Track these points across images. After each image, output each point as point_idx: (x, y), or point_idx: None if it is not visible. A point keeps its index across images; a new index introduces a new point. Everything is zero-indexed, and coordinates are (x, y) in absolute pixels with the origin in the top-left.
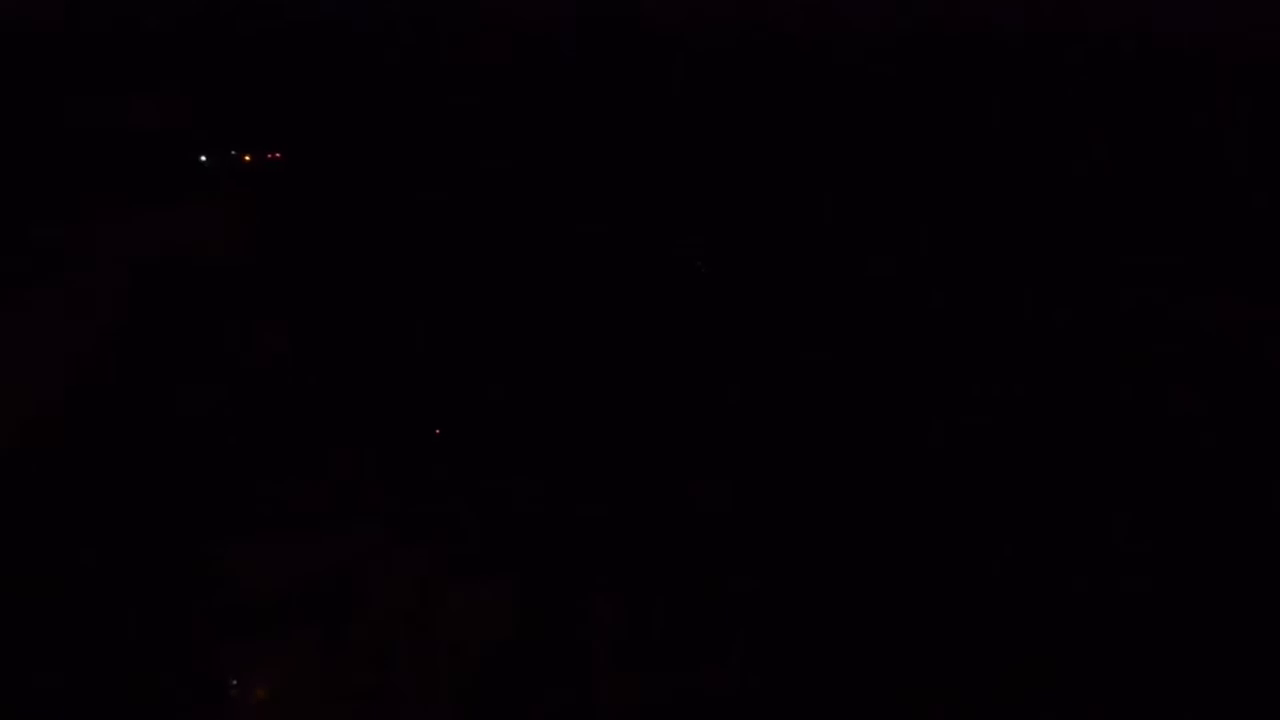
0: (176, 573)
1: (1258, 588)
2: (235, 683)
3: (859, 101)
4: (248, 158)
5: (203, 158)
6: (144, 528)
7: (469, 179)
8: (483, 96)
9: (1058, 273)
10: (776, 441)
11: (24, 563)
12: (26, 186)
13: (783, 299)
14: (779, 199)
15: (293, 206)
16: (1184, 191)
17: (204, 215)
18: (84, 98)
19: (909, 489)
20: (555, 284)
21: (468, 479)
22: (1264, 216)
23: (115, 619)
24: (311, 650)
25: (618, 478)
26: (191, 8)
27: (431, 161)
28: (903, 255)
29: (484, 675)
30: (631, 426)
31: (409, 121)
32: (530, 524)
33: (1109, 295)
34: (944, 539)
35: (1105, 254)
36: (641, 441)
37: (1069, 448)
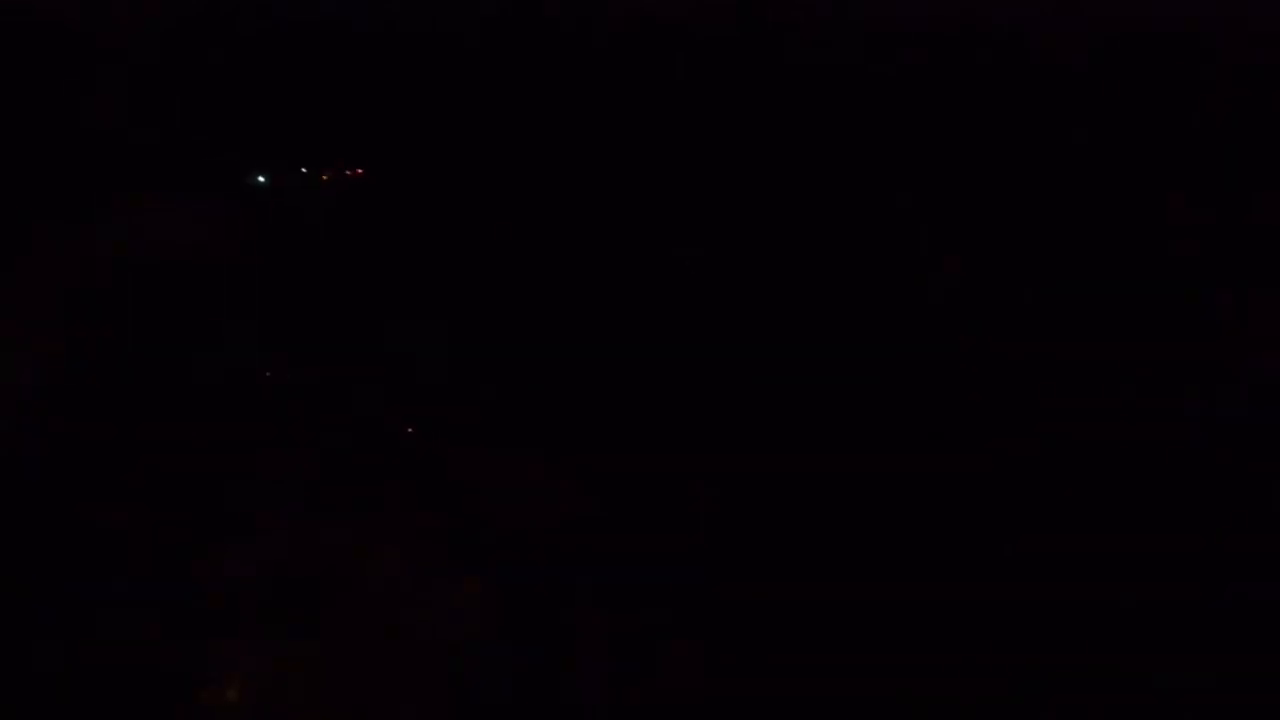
0: (150, 572)
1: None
2: (209, 683)
3: (854, 100)
4: (326, 176)
5: (260, 178)
6: (118, 527)
7: (465, 179)
8: (479, 97)
9: (1058, 273)
10: (774, 441)
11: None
12: (13, 186)
13: (776, 297)
14: (772, 197)
15: (281, 210)
16: (1184, 190)
17: (189, 218)
18: (66, 96)
19: (909, 491)
20: (545, 280)
21: (452, 479)
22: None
23: (87, 617)
24: (288, 651)
25: (608, 476)
26: (188, 7)
27: (427, 162)
28: (901, 253)
29: (467, 676)
30: (623, 424)
31: (407, 122)
32: (516, 523)
33: (1111, 295)
34: (945, 540)
35: (1106, 254)
36: (633, 441)
37: (1072, 452)
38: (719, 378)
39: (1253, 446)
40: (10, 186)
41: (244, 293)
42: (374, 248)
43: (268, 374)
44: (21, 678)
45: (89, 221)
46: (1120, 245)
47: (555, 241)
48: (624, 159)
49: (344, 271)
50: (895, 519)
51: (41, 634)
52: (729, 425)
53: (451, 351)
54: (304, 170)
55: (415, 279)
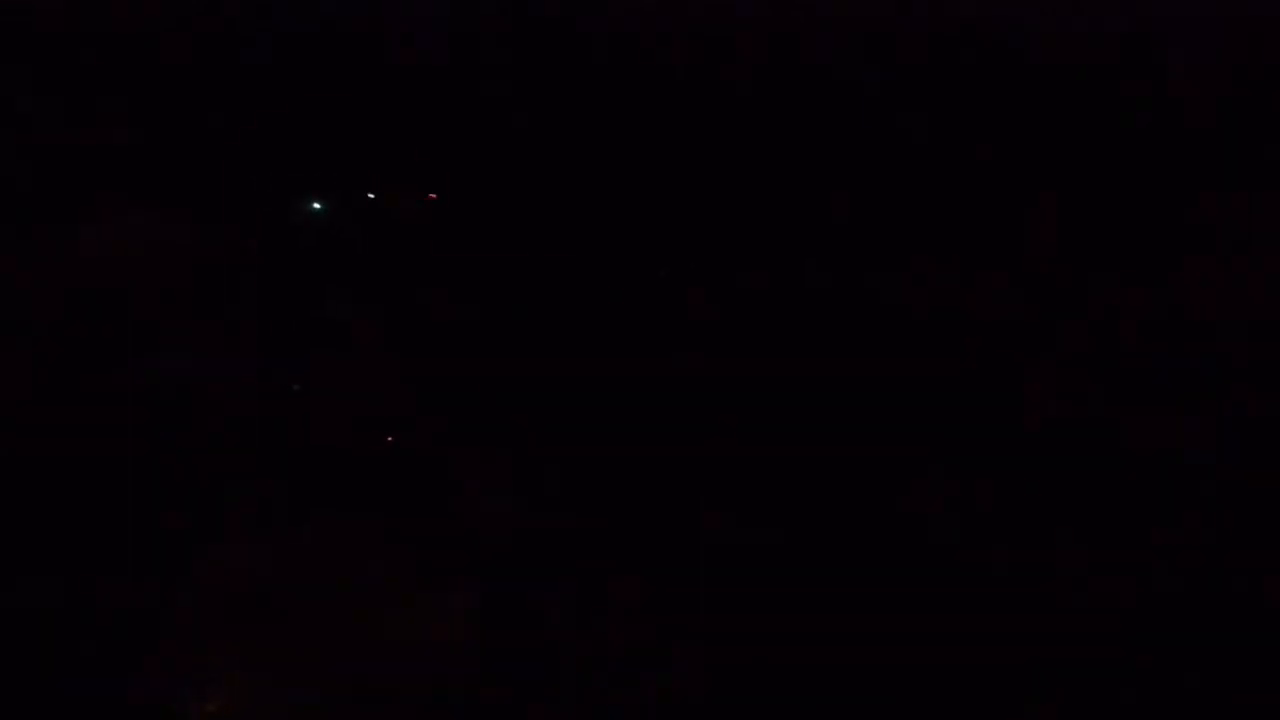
0: (137, 577)
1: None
2: (195, 689)
3: (845, 103)
4: (433, 197)
5: (316, 205)
6: (104, 531)
7: (458, 183)
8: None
9: (1060, 281)
10: (773, 455)
11: None
12: None
13: (775, 303)
14: (764, 203)
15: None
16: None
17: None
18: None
19: (906, 508)
20: (534, 286)
21: (440, 485)
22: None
23: (69, 624)
24: (266, 658)
25: (593, 486)
26: (185, 8)
27: (418, 165)
28: (896, 264)
29: (451, 682)
30: (607, 434)
31: (403, 125)
32: (501, 531)
33: (1113, 299)
34: (944, 553)
35: (1107, 258)
36: (619, 447)
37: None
38: (715, 387)
39: (1253, 446)
40: (9, 190)
41: (240, 302)
42: (375, 256)
43: (295, 386)
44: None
45: (87, 228)
46: (1120, 245)
47: (553, 246)
48: (629, 163)
49: (342, 281)
50: (895, 539)
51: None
52: (725, 436)
53: (440, 357)
54: (371, 195)
55: (406, 287)
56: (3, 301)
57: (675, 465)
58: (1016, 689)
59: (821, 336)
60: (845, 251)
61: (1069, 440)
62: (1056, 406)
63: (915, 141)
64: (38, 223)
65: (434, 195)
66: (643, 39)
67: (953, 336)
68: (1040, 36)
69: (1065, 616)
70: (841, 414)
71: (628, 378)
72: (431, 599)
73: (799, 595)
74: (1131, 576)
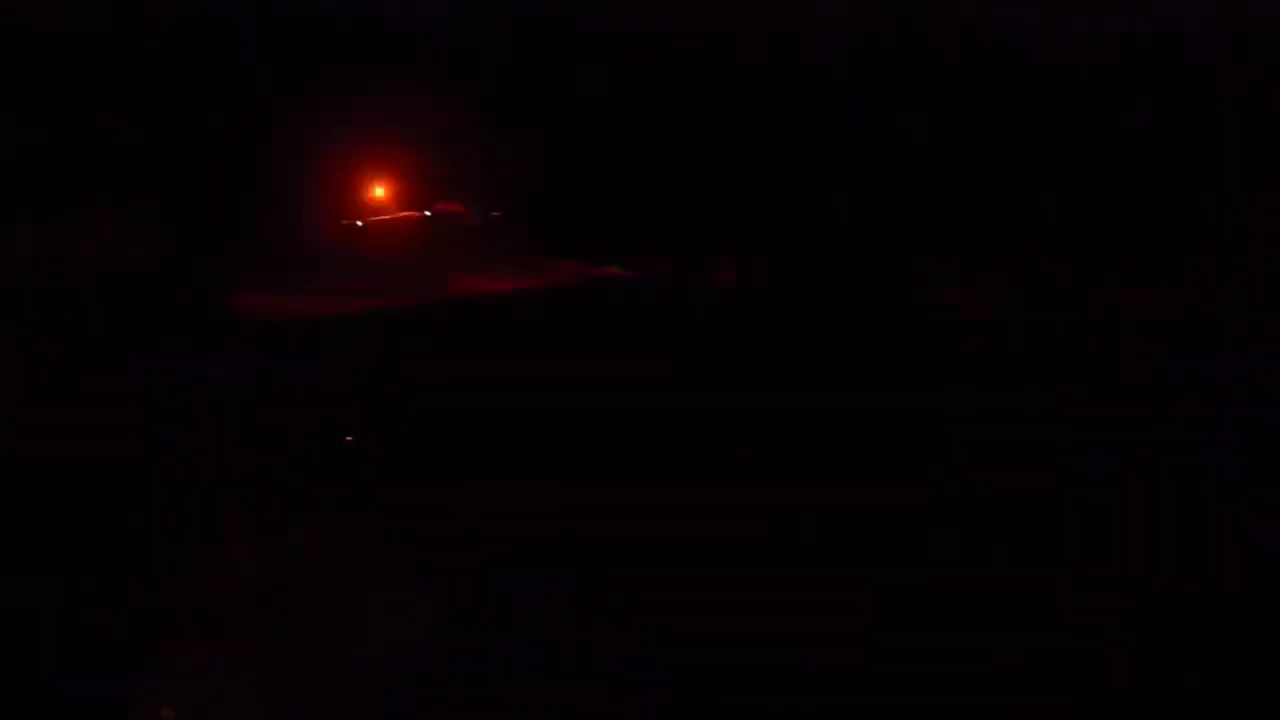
0: (137, 577)
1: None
2: (193, 690)
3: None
4: (496, 214)
5: (359, 222)
6: (104, 531)
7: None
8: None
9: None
10: (760, 466)
11: None
12: None
13: (771, 315)
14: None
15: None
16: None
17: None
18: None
19: (894, 519)
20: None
21: (440, 485)
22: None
23: (69, 624)
24: (273, 657)
25: (592, 487)
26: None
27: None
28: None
29: (449, 682)
30: (607, 434)
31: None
32: (500, 531)
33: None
34: (946, 555)
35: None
36: (618, 447)
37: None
38: (714, 387)
39: (1253, 446)
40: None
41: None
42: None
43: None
44: None
45: (85, 228)
46: (1121, 245)
47: (553, 246)
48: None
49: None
50: (894, 539)
51: None
52: (725, 436)
53: (439, 356)
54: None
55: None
56: (2, 301)
57: (674, 465)
58: (1017, 689)
59: (820, 335)
60: (845, 251)
61: (1069, 440)
62: (1058, 406)
63: (915, 141)
64: (37, 223)
65: (497, 213)
66: (643, 39)
67: (953, 336)
68: (1040, 36)
69: (1065, 616)
70: (841, 414)
71: (628, 378)
72: (431, 599)
73: (798, 596)
74: (1132, 576)
